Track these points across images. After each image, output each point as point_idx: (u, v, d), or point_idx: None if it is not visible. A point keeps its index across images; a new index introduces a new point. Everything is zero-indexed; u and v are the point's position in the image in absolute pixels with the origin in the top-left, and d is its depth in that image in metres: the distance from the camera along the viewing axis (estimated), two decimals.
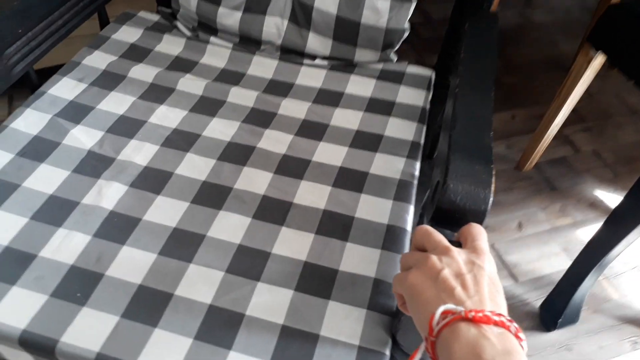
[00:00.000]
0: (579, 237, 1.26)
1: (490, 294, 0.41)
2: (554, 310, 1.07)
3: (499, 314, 0.38)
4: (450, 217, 0.52)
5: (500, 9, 1.42)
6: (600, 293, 1.16)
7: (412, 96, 0.88)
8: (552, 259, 1.21)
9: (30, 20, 0.75)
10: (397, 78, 0.90)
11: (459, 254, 0.44)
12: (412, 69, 0.92)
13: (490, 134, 0.61)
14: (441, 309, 0.39)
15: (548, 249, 1.23)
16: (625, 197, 0.90)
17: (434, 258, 0.44)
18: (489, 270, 0.43)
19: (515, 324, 0.38)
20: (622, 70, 1.04)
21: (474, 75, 0.71)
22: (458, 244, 0.48)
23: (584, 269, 1.01)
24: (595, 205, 1.34)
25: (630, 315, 1.12)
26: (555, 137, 1.49)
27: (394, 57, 0.95)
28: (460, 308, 0.39)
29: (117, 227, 0.64)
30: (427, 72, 0.93)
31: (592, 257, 0.99)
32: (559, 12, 2.04)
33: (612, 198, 1.36)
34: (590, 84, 1.20)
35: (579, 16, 2.02)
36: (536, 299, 1.13)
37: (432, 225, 0.59)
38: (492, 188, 0.53)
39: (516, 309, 1.11)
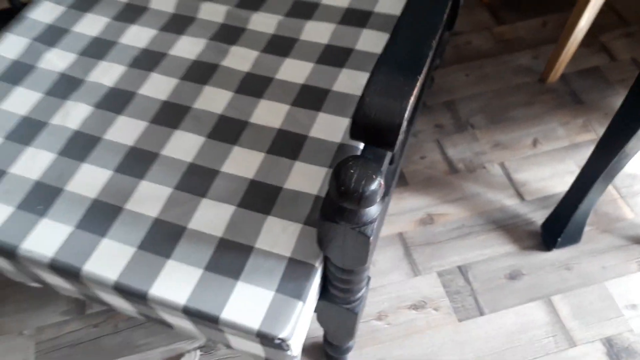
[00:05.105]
0: None
1: None
2: (555, 228, 1.03)
3: None
4: (365, 131, 0.51)
5: None
6: (613, 212, 1.10)
7: (394, 5, 0.83)
8: (565, 177, 1.15)
9: None
10: None
11: None
12: None
13: (432, 42, 0.57)
14: None
15: (563, 167, 1.17)
16: (630, 91, 0.80)
17: None
18: None
19: None
20: None
21: None
22: None
23: (587, 180, 0.94)
24: None
25: None
26: (590, 44, 1.37)
27: None
28: None
29: (80, 146, 0.68)
30: None
31: (595, 165, 0.91)
32: None
33: None
34: None
35: None
36: (541, 219, 1.09)
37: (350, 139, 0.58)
38: (412, 100, 0.50)
39: (518, 229, 1.08)
